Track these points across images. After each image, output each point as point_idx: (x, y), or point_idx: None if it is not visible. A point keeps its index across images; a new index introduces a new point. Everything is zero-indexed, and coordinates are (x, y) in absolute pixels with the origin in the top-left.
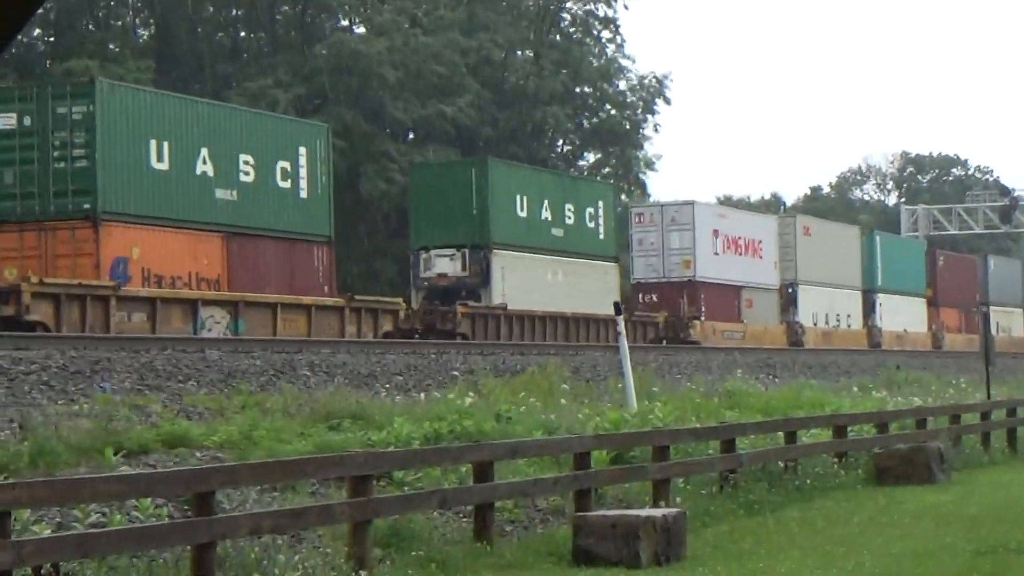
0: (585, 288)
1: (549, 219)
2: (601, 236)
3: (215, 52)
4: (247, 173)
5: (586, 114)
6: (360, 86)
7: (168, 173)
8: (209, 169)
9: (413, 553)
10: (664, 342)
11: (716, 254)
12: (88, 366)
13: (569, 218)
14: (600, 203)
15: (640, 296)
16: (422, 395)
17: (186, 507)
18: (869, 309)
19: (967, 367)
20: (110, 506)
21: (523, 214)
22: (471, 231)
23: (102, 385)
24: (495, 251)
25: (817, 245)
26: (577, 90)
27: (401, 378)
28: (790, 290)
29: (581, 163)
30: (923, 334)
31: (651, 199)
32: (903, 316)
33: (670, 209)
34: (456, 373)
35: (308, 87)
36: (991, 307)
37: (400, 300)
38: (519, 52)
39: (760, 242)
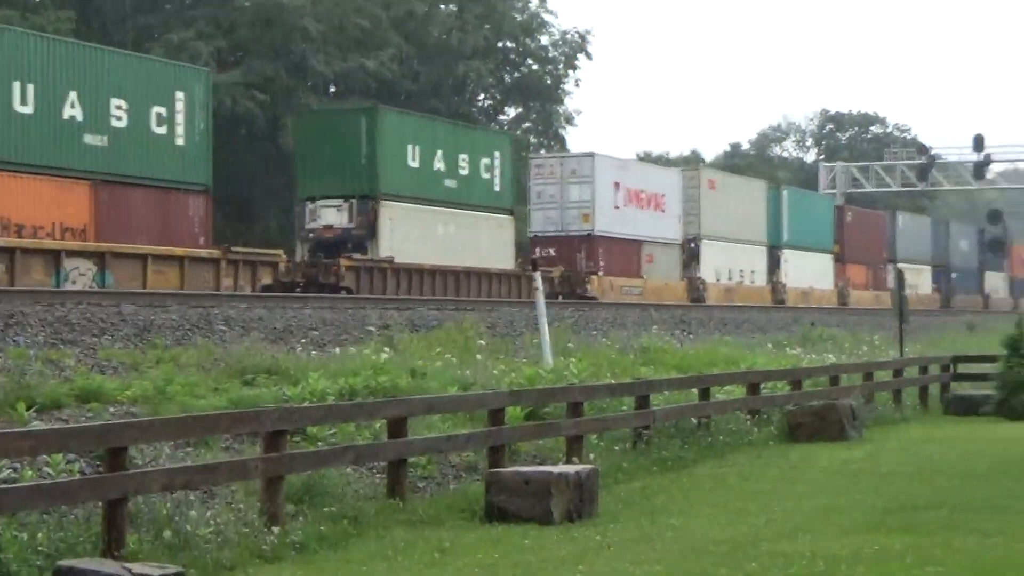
0: (478, 241)
1: (442, 169)
2: (497, 188)
3: (136, 3)
4: (119, 118)
5: (508, 68)
6: (282, 39)
7: (32, 117)
8: (78, 113)
9: (326, 509)
10: (560, 297)
11: (616, 207)
12: (0, 320)
13: (463, 169)
14: (496, 154)
15: (538, 250)
16: (337, 350)
17: (98, 462)
18: (774, 265)
19: (878, 324)
20: (21, 461)
21: (414, 164)
22: (359, 181)
23: (15, 339)
24: (383, 202)
25: (722, 199)
26: (499, 44)
27: (317, 333)
28: (693, 245)
29: (502, 117)
30: (829, 291)
31: None
32: (809, 272)
33: (570, 161)
34: (372, 328)
35: (229, 40)
36: (900, 264)
37: (280, 252)
38: (442, 6)
39: (663, 196)
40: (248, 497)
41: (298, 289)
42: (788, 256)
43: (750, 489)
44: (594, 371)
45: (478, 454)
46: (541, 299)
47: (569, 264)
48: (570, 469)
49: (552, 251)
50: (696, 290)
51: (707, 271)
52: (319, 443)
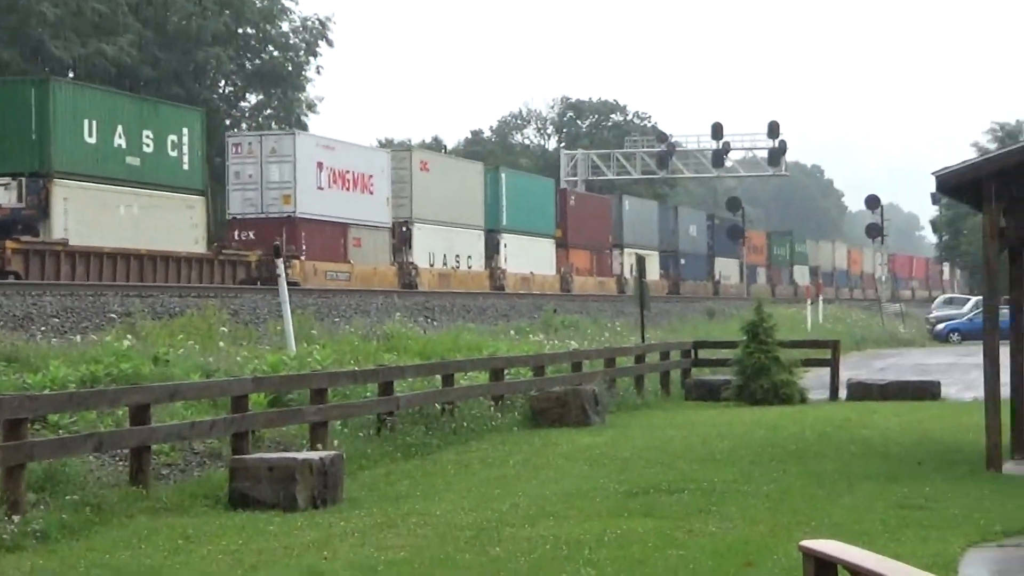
0: (165, 223)
1: (123, 147)
2: (186, 167)
3: None
4: None
5: (248, 55)
6: (19, 23)
7: None
8: None
9: (68, 497)
10: (259, 283)
11: (320, 188)
12: None
13: (147, 146)
14: (185, 131)
15: (237, 233)
16: (79, 338)
17: None
18: (492, 250)
19: (619, 311)
20: None
21: (92, 140)
22: (29, 157)
23: None
24: (57, 180)
25: (436, 181)
26: (240, 31)
27: (57, 320)
28: (404, 229)
29: (243, 104)
30: (551, 277)
31: None
32: (529, 258)
33: (269, 139)
34: (114, 315)
35: None
36: (625, 249)
37: None
38: None
39: (371, 177)
40: None
41: None
42: (507, 241)
43: (494, 474)
44: (338, 358)
45: (222, 441)
46: (284, 286)
47: (269, 248)
48: (314, 455)
49: (251, 234)
50: (408, 275)
51: (420, 256)
52: (60, 431)
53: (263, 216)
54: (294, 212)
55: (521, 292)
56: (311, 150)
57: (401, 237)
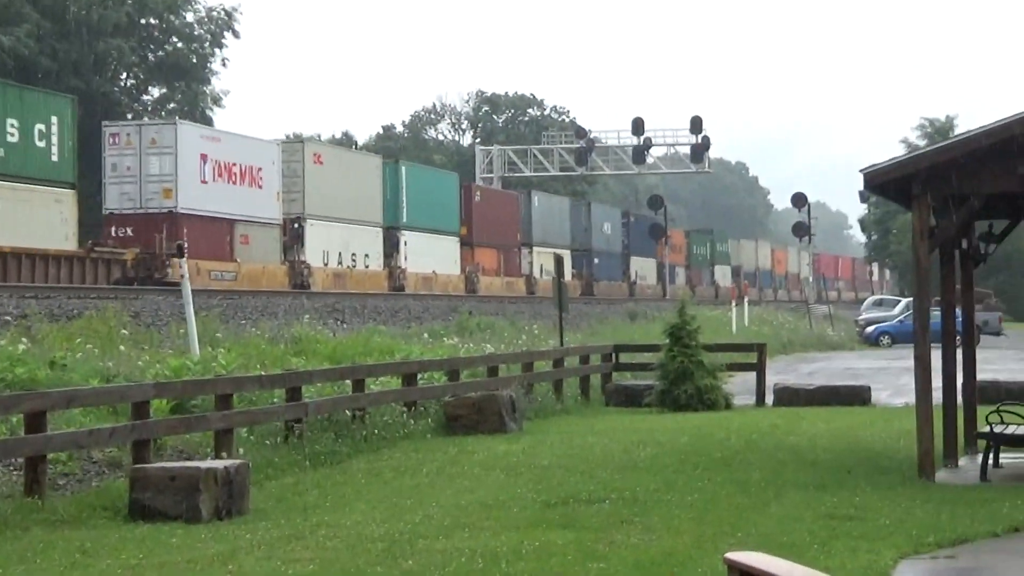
0: (32, 218)
1: None
2: (55, 158)
3: None
4: None
5: (151, 47)
6: None
7: None
8: None
9: None
10: (135, 283)
11: (204, 182)
12: None
13: (12, 135)
14: (54, 119)
15: (114, 229)
16: None
17: None
18: (392, 248)
19: (537, 312)
20: None
21: None
22: None
23: None
24: None
25: (331, 175)
26: (142, 21)
27: None
28: (296, 225)
29: (146, 97)
30: (456, 276)
31: None
32: (432, 257)
33: (149, 129)
34: (8, 318)
35: None
36: (535, 248)
37: None
38: None
39: (260, 170)
40: None
41: None
42: (408, 238)
43: (407, 484)
44: (244, 362)
45: (121, 449)
46: (187, 287)
47: (149, 245)
48: (219, 464)
49: (130, 230)
50: (300, 275)
51: (313, 254)
52: None
53: (142, 211)
54: (175, 207)
55: (422, 292)
56: (194, 141)
57: (293, 234)
